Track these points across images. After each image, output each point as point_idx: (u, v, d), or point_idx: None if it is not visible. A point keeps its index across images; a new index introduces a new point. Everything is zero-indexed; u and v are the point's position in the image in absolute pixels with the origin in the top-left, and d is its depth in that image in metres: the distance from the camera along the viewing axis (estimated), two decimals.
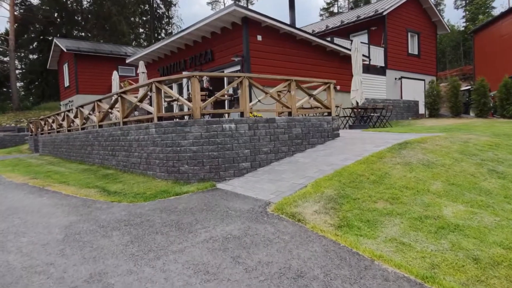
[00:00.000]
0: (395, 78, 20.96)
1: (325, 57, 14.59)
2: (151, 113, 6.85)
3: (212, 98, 6.62)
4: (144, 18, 48.87)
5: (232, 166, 6.35)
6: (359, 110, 13.90)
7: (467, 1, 57.62)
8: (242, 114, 6.66)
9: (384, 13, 19.34)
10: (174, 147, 6.27)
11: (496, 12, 47.32)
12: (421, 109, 21.17)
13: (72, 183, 7.23)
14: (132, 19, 44.92)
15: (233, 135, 6.38)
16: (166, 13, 49.79)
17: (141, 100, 7.13)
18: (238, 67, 12.56)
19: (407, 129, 10.34)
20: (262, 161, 6.74)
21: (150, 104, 6.98)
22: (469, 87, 21.28)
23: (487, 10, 47.02)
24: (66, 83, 28.25)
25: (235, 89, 13.40)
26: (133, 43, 42.87)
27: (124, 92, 7.85)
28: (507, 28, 24.62)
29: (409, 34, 21.82)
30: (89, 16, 41.52)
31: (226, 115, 9.49)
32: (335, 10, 52.10)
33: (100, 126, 9.58)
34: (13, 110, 34.26)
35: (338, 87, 13.68)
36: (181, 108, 7.50)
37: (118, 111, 8.14)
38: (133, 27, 43.97)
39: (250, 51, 12.17)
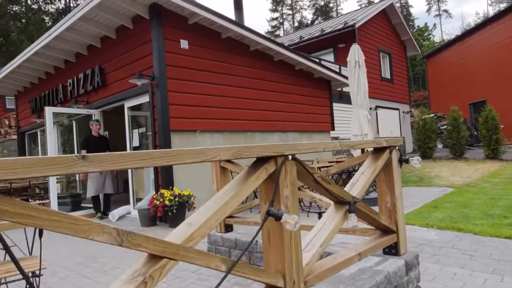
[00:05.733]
0: (370, 108, 16.49)
1: (293, 81, 9.39)
2: None
3: None
4: None
5: None
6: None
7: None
8: None
9: (357, 25, 14.95)
10: None
11: (434, 39, 47.29)
12: (408, 148, 16.87)
13: None
14: None
15: None
16: None
17: None
18: (146, 98, 6.77)
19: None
20: None
21: None
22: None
23: (429, 36, 46.62)
24: None
25: (145, 135, 7.43)
26: None
27: None
28: (464, 53, 21.98)
29: (380, 54, 17.75)
30: None
31: None
32: (281, 34, 48.77)
33: None
34: None
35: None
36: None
37: None
38: None
39: (166, 68, 6.48)
